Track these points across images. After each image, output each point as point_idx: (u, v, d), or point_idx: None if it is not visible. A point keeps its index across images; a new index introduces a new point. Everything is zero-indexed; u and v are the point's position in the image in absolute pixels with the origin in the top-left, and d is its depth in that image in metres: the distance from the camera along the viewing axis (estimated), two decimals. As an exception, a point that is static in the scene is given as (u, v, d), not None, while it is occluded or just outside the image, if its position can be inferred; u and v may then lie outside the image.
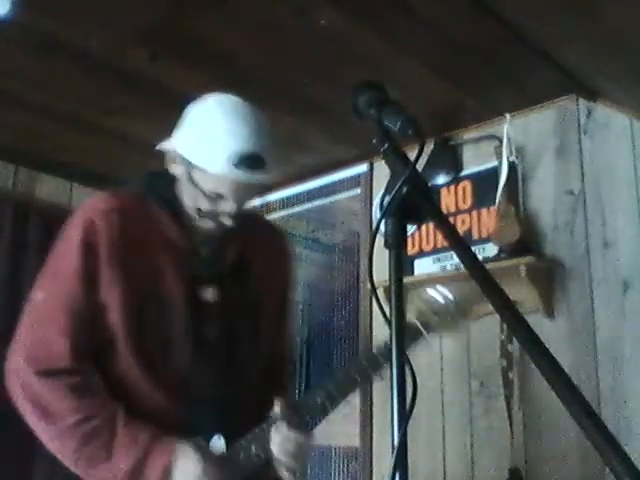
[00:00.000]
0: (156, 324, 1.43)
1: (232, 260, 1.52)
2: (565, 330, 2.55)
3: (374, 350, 1.49)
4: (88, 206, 1.49)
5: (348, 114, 1.03)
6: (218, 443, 1.43)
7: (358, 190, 3.34)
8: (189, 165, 1.41)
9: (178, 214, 1.47)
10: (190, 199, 1.45)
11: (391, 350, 0.86)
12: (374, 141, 0.98)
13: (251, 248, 1.56)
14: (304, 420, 1.41)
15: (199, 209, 1.44)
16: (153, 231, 1.47)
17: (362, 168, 3.33)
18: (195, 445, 1.38)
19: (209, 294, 1.49)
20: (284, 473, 1.41)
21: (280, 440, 1.39)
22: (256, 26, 2.28)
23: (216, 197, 1.41)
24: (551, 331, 2.53)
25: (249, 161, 1.37)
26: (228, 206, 1.42)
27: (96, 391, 1.40)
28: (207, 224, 1.45)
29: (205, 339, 1.47)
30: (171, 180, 1.47)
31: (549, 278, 2.60)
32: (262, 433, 1.41)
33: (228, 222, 1.43)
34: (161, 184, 1.49)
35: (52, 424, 1.37)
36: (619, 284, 2.48)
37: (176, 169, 1.45)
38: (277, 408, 1.40)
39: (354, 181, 3.36)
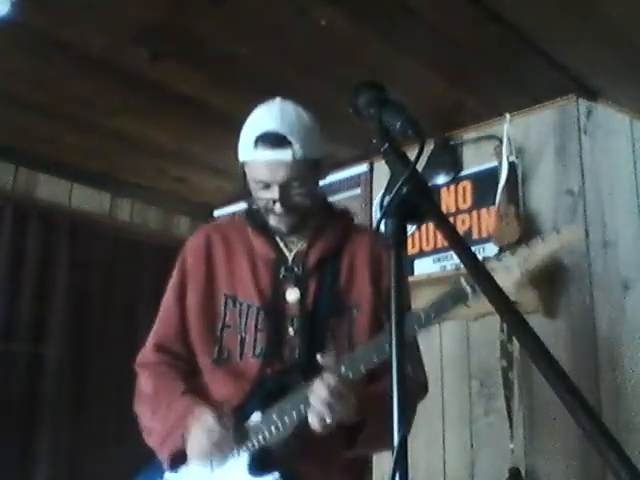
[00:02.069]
0: (231, 322, 1.60)
1: (314, 263, 1.62)
2: (565, 330, 2.55)
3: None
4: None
5: (348, 114, 1.03)
6: (255, 418, 1.48)
7: (358, 190, 3.34)
8: (242, 166, 1.58)
9: (264, 229, 1.64)
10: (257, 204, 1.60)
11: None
12: (374, 141, 0.98)
13: (343, 249, 1.66)
14: (348, 371, 1.40)
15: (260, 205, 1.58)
16: (240, 245, 1.66)
17: (362, 168, 3.33)
18: (215, 413, 1.46)
19: (291, 295, 1.60)
20: (313, 419, 1.38)
21: (317, 386, 1.38)
22: (256, 26, 2.28)
23: (263, 187, 1.53)
24: (551, 331, 2.53)
25: (269, 139, 1.49)
26: (272, 193, 1.53)
27: (172, 378, 1.61)
28: (273, 221, 1.59)
29: (285, 336, 1.57)
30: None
31: (549, 278, 2.60)
32: (301, 389, 1.42)
33: (279, 210, 1.54)
34: (255, 207, 1.65)
35: (138, 403, 1.64)
36: (619, 284, 2.48)
37: (243, 177, 1.60)
38: (321, 358, 1.41)
39: (354, 181, 3.36)
